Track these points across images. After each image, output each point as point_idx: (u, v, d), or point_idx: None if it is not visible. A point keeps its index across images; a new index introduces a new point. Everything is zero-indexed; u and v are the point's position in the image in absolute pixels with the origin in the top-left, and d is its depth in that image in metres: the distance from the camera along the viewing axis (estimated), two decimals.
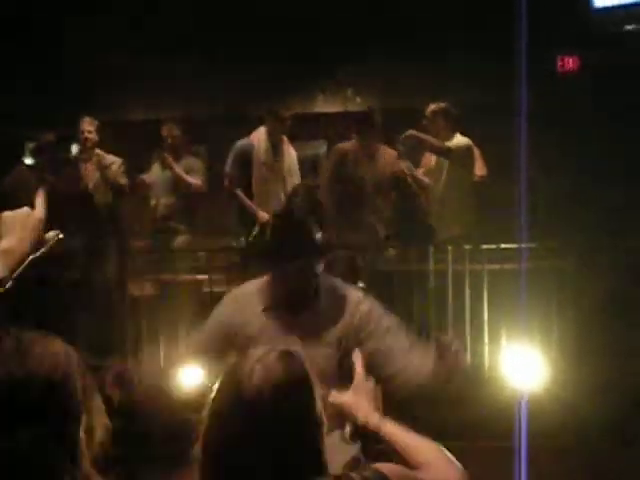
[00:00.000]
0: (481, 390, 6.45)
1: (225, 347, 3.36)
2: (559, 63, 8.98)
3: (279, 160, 7.75)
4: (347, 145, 7.74)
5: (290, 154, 7.86)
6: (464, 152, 7.42)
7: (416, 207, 8.11)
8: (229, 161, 7.78)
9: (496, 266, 6.86)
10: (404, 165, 7.54)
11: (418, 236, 7.88)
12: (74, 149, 10.48)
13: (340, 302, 3.44)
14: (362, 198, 7.53)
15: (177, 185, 8.11)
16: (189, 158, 8.28)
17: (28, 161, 8.64)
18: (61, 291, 7.01)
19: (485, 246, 6.97)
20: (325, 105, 9.94)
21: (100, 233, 7.58)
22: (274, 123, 7.72)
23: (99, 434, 1.79)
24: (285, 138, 7.89)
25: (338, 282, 3.56)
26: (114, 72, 9.70)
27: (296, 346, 2.79)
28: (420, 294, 7.06)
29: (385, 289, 7.30)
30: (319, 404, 1.89)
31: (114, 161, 7.86)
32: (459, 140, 7.47)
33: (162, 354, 6.00)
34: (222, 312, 3.57)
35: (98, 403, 1.83)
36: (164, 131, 8.14)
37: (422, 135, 7.45)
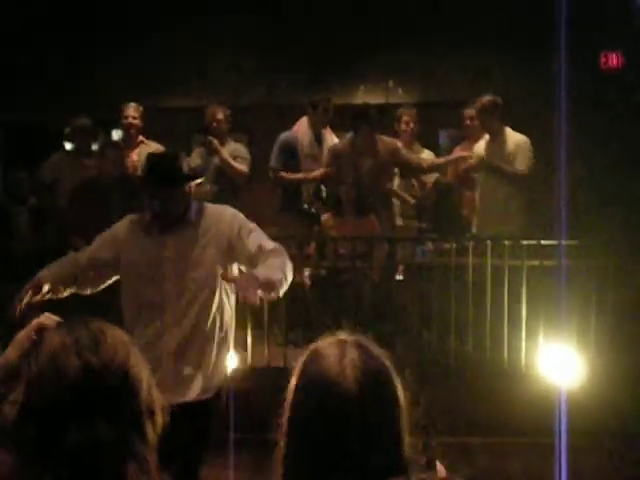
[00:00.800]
0: (519, 387, 6.44)
1: (108, 257, 4.21)
2: (602, 60, 8.92)
3: (322, 151, 7.77)
4: (340, 144, 7.73)
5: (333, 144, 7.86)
6: (524, 151, 7.37)
7: (452, 201, 8.10)
8: (274, 153, 7.75)
9: (536, 262, 6.82)
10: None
11: (455, 230, 7.87)
12: (115, 134, 10.59)
13: (209, 218, 4.17)
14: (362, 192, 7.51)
15: (222, 172, 7.71)
16: (234, 144, 7.91)
17: (67, 146, 8.75)
18: None
19: (525, 242, 6.93)
20: (366, 96, 9.90)
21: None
22: (316, 114, 7.74)
23: (159, 418, 1.80)
24: (328, 128, 7.90)
25: (204, 206, 4.25)
26: (151, 58, 9.78)
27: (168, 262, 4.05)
28: (458, 288, 7.04)
29: (423, 282, 7.32)
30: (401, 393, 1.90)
31: (158, 148, 7.74)
32: (517, 138, 7.42)
33: None
34: (112, 230, 4.30)
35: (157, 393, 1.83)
36: (208, 114, 7.82)
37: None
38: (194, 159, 7.81)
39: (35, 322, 2.20)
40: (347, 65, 9.73)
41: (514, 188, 7.32)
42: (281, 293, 3.87)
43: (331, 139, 7.89)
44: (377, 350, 1.94)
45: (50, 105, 9.71)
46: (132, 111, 7.82)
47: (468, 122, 7.95)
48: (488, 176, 7.46)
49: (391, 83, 9.95)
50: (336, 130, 8.07)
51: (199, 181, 4.37)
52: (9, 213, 8.03)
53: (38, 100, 9.76)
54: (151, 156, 4.34)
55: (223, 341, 4.17)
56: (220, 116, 7.77)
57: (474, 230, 7.66)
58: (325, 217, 7.58)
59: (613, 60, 9.03)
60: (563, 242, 6.50)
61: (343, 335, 1.97)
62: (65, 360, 1.71)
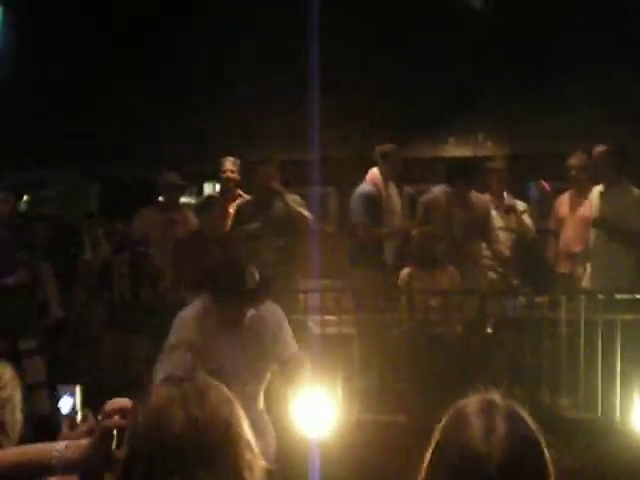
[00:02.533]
0: (612, 443, 6.28)
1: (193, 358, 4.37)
2: None
3: (394, 203, 7.83)
4: (432, 196, 7.73)
5: (396, 196, 7.93)
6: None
7: (542, 255, 8.02)
8: (358, 208, 7.78)
9: (630, 316, 6.68)
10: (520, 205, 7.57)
11: (547, 284, 7.78)
12: (206, 189, 10.80)
13: (261, 321, 4.51)
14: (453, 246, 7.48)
15: (283, 223, 7.58)
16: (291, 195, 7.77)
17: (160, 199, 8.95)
18: None
19: (619, 296, 6.80)
20: (455, 149, 9.91)
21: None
22: (386, 165, 7.79)
23: (258, 475, 1.81)
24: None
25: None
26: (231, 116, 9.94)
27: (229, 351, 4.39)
28: (550, 342, 6.93)
29: (515, 336, 7.22)
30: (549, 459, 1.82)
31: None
32: (635, 192, 7.34)
33: None
34: (187, 331, 4.48)
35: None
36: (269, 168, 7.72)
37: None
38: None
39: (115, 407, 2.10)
40: (435, 118, 9.76)
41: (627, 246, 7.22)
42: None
43: (394, 191, 7.90)
44: (527, 419, 1.86)
45: (145, 159, 9.96)
46: (230, 165, 7.98)
47: (574, 172, 7.80)
48: (600, 232, 7.38)
49: (480, 136, 9.94)
50: (422, 182, 8.11)
51: None
52: (110, 264, 8.23)
53: (134, 154, 10.03)
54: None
55: None
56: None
57: (584, 284, 7.52)
58: (405, 271, 7.53)
59: None
60: None
61: (491, 396, 1.88)
62: (172, 412, 1.75)
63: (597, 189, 7.51)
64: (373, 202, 7.75)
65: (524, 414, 1.85)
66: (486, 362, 7.08)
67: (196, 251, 7.18)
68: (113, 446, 1.92)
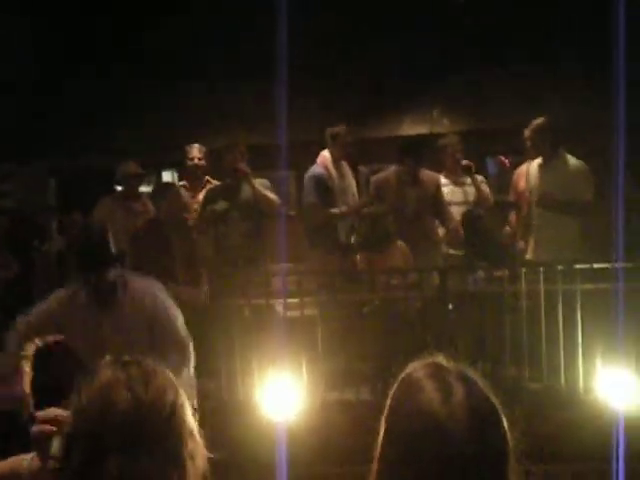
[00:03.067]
0: (576, 412, 6.35)
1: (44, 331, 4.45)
2: None
3: (346, 183, 7.85)
4: (383, 175, 7.77)
5: (350, 176, 7.98)
6: (587, 178, 7.35)
7: (489, 228, 8.07)
8: (309, 190, 7.79)
9: (590, 286, 6.74)
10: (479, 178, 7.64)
11: (498, 258, 7.82)
12: (165, 177, 10.73)
13: (135, 294, 4.66)
14: (405, 223, 7.52)
15: (251, 207, 7.67)
16: (259, 179, 7.85)
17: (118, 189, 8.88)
18: None
19: (578, 266, 6.85)
20: (411, 127, 9.92)
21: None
22: (336, 145, 7.80)
23: (200, 463, 1.80)
24: (343, 161, 7.96)
25: (135, 280, 4.75)
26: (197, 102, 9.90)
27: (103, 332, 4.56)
28: (512, 316, 6.98)
29: (475, 311, 7.26)
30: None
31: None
32: (576, 164, 7.40)
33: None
34: (50, 306, 4.72)
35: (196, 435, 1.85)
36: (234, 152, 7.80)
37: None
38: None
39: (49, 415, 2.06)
40: (393, 97, 9.77)
41: (570, 217, 7.30)
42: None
43: (348, 171, 7.92)
44: (482, 383, 1.82)
45: (100, 149, 9.88)
46: (196, 152, 7.98)
47: (529, 144, 7.75)
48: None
49: (435, 113, 9.97)
50: (379, 162, 8.12)
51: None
52: (65, 256, 8.16)
53: (88, 144, 9.95)
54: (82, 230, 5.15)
55: None
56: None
57: (529, 257, 7.61)
58: (362, 254, 7.58)
59: None
60: (618, 265, 6.43)
61: (438, 360, 1.85)
62: (116, 393, 1.73)
63: (536, 162, 7.58)
64: (322, 184, 7.75)
65: (473, 374, 1.81)
66: (449, 338, 7.12)
67: (153, 240, 7.14)
68: (52, 453, 1.88)
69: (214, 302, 6.98)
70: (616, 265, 6.30)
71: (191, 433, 1.81)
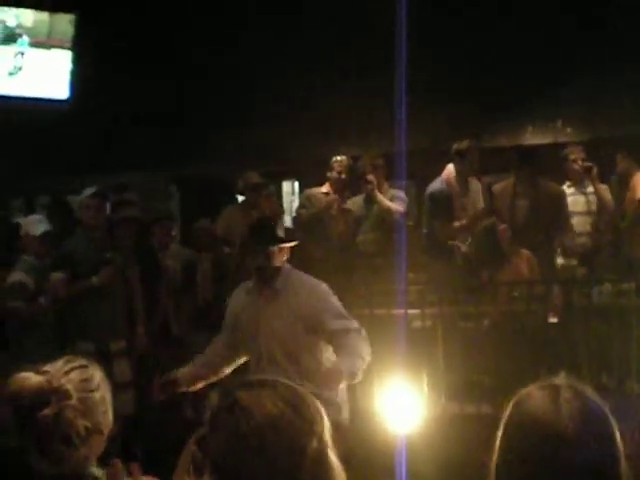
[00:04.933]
0: None
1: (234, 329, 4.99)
2: None
3: (471, 200, 7.79)
4: (500, 185, 7.65)
5: (478, 192, 7.86)
6: None
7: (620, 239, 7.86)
8: (428, 207, 7.84)
9: None
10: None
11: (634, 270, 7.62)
12: (285, 186, 10.85)
13: (299, 288, 4.84)
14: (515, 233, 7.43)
15: (382, 219, 7.91)
16: (391, 190, 8.08)
17: (240, 199, 9.03)
18: None
19: None
20: (534, 137, 9.78)
21: None
22: (463, 162, 7.71)
23: None
24: (473, 177, 7.89)
25: (303, 276, 4.96)
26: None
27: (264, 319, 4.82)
28: (638, 330, 6.79)
29: (601, 324, 7.09)
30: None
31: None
32: None
33: None
34: (230, 303, 5.13)
35: None
36: (359, 167, 8.08)
37: None
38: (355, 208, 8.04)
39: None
40: (515, 105, 9.64)
41: None
42: (360, 377, 4.58)
43: (477, 187, 7.81)
44: (592, 393, 1.87)
45: (227, 158, 10.07)
46: (339, 165, 8.11)
47: None
48: None
49: (559, 123, 9.79)
50: (501, 172, 8.01)
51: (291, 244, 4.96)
52: (193, 262, 8.31)
53: (215, 153, 10.15)
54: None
55: None
56: (379, 163, 7.96)
57: None
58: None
59: None
60: None
61: (555, 380, 1.89)
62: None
63: None
64: (442, 200, 7.69)
65: (591, 392, 1.85)
66: (572, 352, 6.98)
67: None
68: None
69: None
70: None
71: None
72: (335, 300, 4.88)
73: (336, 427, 1.89)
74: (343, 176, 8.07)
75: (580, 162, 7.80)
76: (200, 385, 5.02)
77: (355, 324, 4.76)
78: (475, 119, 9.61)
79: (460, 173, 7.76)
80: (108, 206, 7.42)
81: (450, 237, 7.71)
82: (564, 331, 7.14)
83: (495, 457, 1.84)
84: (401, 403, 5.24)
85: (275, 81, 10.09)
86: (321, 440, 1.78)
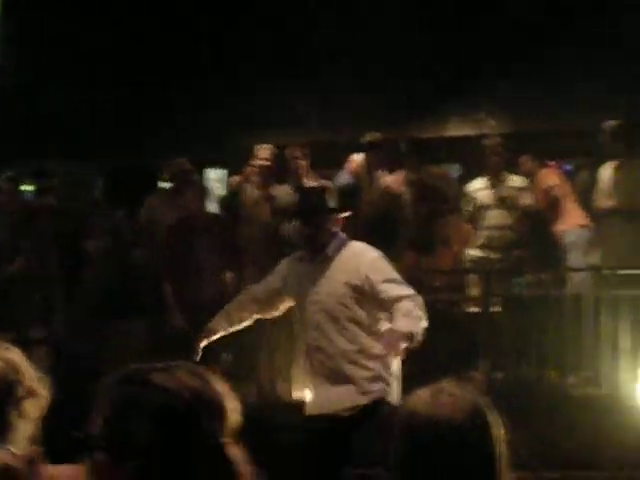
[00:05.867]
0: (618, 419, 6.28)
1: (274, 294, 4.90)
2: None
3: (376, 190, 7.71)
4: (392, 177, 7.68)
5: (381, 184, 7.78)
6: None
7: (547, 232, 7.98)
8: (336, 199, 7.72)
9: (637, 292, 6.66)
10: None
11: (551, 261, 7.76)
12: (212, 174, 10.77)
13: (351, 256, 4.71)
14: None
15: None
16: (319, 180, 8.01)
17: (162, 186, 8.92)
18: None
19: (624, 271, 6.78)
20: (458, 129, 9.88)
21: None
22: (374, 155, 7.67)
23: None
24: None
25: (358, 244, 4.82)
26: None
27: (308, 288, 4.70)
28: (556, 320, 6.91)
29: (520, 314, 7.20)
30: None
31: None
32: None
33: None
34: (276, 269, 5.03)
35: None
36: (288, 153, 8.03)
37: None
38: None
39: None
40: (440, 97, 9.71)
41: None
42: (420, 340, 4.36)
43: (383, 180, 7.76)
44: (474, 391, 1.95)
45: (147, 147, 9.97)
46: (264, 152, 8.00)
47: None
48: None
49: (483, 115, 9.90)
50: (427, 163, 8.03)
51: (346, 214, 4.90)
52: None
53: (134, 143, 10.04)
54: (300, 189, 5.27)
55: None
56: (297, 154, 7.94)
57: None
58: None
59: None
60: None
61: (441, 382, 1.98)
62: None
63: (608, 166, 7.42)
64: (350, 193, 7.46)
65: (470, 390, 1.94)
66: (492, 342, 7.08)
67: (185, 237, 7.21)
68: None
69: None
70: None
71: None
72: (389, 267, 4.72)
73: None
74: (268, 163, 8.04)
75: (498, 156, 7.84)
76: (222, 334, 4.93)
77: (410, 290, 4.58)
78: (400, 110, 9.65)
79: (370, 165, 7.71)
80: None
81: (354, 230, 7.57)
82: (484, 321, 7.22)
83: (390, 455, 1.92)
84: None
85: (201, 71, 10.02)
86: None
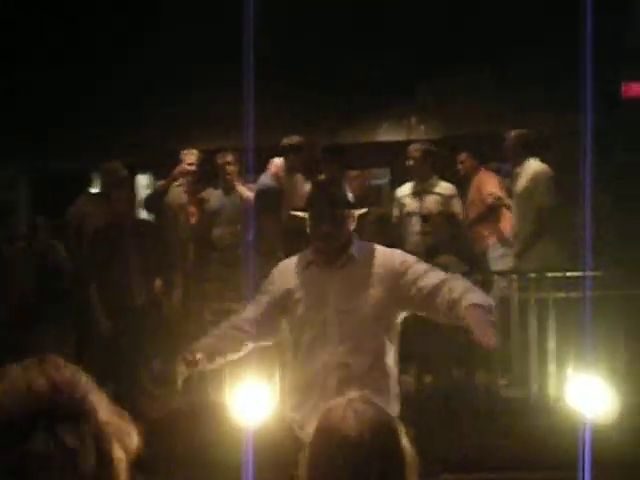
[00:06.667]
0: (546, 420, 6.37)
1: (277, 312, 4.05)
2: (624, 89, 8.91)
3: (297, 193, 7.62)
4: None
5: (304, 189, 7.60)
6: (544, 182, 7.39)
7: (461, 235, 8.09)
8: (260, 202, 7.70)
9: (562, 294, 6.77)
10: None
11: (479, 265, 7.87)
12: (141, 180, 10.69)
13: (373, 256, 4.00)
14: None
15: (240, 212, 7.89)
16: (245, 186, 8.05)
17: (94, 190, 8.84)
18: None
19: (551, 274, 6.89)
20: (388, 134, 9.94)
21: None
22: (296, 159, 7.66)
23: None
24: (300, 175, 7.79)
25: (373, 244, 4.12)
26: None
27: (332, 296, 3.92)
28: None
29: None
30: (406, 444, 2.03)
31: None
32: (530, 166, 7.46)
33: None
34: (270, 282, 4.15)
35: None
36: (219, 159, 8.02)
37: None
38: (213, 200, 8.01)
39: None
40: (371, 102, 9.76)
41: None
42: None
43: (306, 183, 7.67)
44: (379, 404, 2.10)
45: (76, 152, 9.86)
46: (190, 157, 8.06)
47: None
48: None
49: (413, 120, 9.98)
50: (356, 168, 8.08)
51: (362, 211, 4.27)
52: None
53: (68, 146, 9.92)
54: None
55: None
56: (229, 159, 7.96)
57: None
58: None
59: (634, 89, 9.02)
60: (589, 273, 6.46)
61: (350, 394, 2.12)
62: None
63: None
64: (271, 196, 7.55)
65: (379, 405, 2.09)
66: (421, 345, 7.13)
67: (113, 241, 7.15)
68: None
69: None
70: (586, 273, 6.33)
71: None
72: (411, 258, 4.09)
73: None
74: (194, 168, 8.02)
75: (425, 162, 7.90)
76: (216, 365, 4.11)
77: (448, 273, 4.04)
78: (332, 115, 9.69)
79: (290, 168, 7.69)
80: None
81: (277, 233, 7.55)
82: (413, 324, 7.25)
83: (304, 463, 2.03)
84: (251, 397, 5.21)
85: (129, 74, 9.93)
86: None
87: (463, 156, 8.25)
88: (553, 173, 7.39)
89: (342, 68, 9.71)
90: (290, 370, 4.10)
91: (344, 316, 3.93)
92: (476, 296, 3.70)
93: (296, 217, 4.26)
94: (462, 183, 8.36)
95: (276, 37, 9.56)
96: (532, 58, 9.15)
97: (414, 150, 7.91)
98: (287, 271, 4.14)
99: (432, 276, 3.89)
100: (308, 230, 4.05)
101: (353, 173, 8.22)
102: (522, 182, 7.43)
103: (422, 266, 3.98)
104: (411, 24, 9.66)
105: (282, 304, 4.05)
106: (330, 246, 4.00)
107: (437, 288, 3.83)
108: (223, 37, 9.41)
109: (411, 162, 7.84)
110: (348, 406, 2.02)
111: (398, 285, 3.93)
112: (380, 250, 4.08)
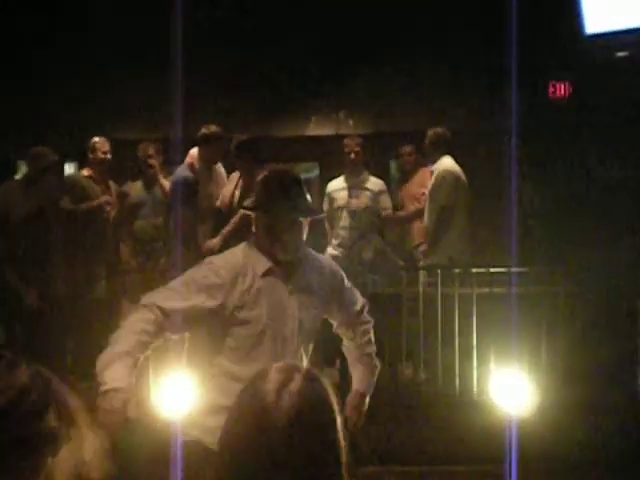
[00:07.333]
0: (470, 414, 6.43)
1: (210, 313, 3.57)
2: (551, 89, 9.03)
3: (213, 184, 7.60)
4: (233, 175, 7.52)
5: (223, 181, 7.65)
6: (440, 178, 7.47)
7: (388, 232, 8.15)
8: (177, 192, 7.51)
9: (485, 290, 6.85)
10: None
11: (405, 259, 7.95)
12: (68, 168, 10.48)
13: (321, 265, 3.89)
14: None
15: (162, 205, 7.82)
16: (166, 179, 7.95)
17: (17, 176, 8.63)
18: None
19: (475, 270, 6.96)
20: (317, 128, 9.92)
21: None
22: (210, 149, 7.52)
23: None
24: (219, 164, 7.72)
25: (310, 250, 3.90)
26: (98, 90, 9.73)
27: (292, 305, 3.68)
28: (409, 318, 7.04)
29: (374, 312, 7.28)
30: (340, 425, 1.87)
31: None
32: (442, 163, 7.54)
33: None
34: (210, 279, 3.60)
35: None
36: (140, 151, 7.93)
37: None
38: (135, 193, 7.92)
39: None
40: (299, 96, 9.74)
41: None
42: None
43: (222, 173, 7.67)
44: (325, 383, 1.91)
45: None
46: (102, 145, 7.88)
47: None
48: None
49: (342, 114, 9.98)
50: (286, 162, 8.05)
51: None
52: None
53: None
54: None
55: None
56: (150, 151, 7.85)
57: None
58: None
59: (561, 90, 9.14)
60: (513, 269, 6.55)
61: (299, 364, 1.98)
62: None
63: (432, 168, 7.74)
64: (188, 187, 7.35)
65: (324, 379, 1.91)
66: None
67: (38, 228, 7.02)
68: None
69: None
70: (511, 270, 6.42)
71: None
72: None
73: None
74: (108, 157, 7.87)
75: (356, 156, 7.93)
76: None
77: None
78: (260, 109, 9.64)
79: (205, 159, 7.55)
80: None
81: (193, 223, 7.38)
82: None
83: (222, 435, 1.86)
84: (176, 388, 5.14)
85: (50, 62, 9.75)
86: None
87: (409, 149, 8.27)
88: (461, 172, 7.46)
89: (271, 59, 9.66)
90: (212, 374, 3.69)
91: (301, 325, 3.71)
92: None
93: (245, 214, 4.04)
94: (405, 175, 8.44)
95: (206, 24, 9.51)
96: (455, 56, 9.22)
97: (355, 144, 7.93)
98: (235, 270, 3.66)
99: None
100: (262, 232, 3.69)
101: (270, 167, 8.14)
102: (432, 180, 7.54)
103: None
104: (344, 19, 9.67)
105: (223, 306, 3.58)
106: (293, 251, 3.70)
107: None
108: (147, 27, 9.35)
109: (352, 156, 7.86)
110: (285, 378, 1.85)
111: (330, 296, 3.88)
112: (325, 261, 4.00)
